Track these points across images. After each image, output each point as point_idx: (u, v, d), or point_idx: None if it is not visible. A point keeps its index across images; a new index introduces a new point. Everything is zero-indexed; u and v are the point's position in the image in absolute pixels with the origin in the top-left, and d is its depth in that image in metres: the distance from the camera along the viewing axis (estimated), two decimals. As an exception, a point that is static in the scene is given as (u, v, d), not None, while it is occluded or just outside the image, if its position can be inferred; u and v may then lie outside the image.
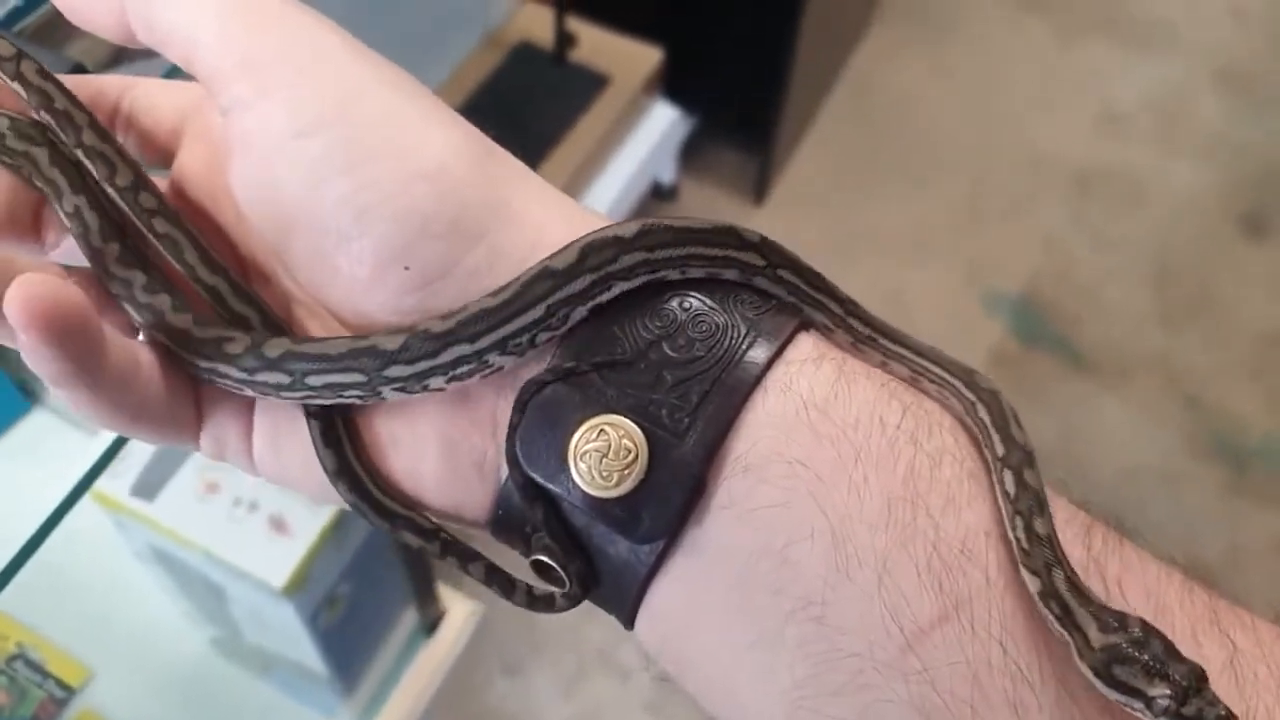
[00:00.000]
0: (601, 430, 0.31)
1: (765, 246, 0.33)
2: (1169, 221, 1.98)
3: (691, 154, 1.88)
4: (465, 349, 0.31)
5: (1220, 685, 0.28)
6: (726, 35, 1.76)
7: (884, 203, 1.96)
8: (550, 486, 0.31)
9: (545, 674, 1.52)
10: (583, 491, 0.31)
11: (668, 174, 1.82)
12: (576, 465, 0.31)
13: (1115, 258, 1.93)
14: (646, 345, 0.32)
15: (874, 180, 1.99)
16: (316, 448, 0.34)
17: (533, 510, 0.32)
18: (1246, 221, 1.97)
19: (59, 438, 0.92)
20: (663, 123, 1.71)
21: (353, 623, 0.91)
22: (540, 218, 0.32)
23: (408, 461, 0.34)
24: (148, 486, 0.81)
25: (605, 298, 0.32)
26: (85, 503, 0.84)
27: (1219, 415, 1.76)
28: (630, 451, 0.30)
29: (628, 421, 0.31)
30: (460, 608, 1.08)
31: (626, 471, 0.30)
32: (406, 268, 0.31)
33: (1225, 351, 1.83)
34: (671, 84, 1.71)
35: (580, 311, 0.32)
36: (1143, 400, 1.76)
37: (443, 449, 0.33)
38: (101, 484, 0.81)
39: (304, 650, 0.90)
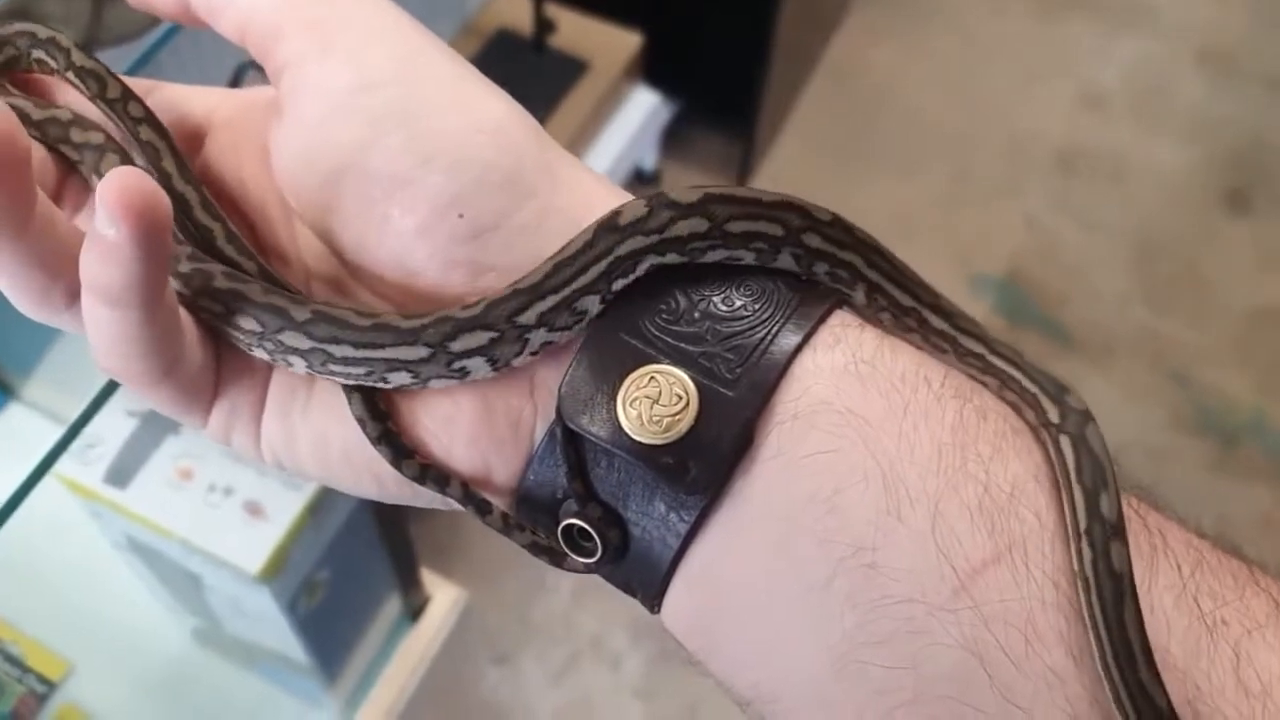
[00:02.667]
0: (652, 378, 0.31)
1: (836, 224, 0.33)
2: (1152, 200, 1.97)
3: (673, 139, 1.87)
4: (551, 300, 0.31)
5: (1268, 633, 0.28)
6: (706, 19, 1.76)
7: (867, 186, 1.96)
8: (596, 435, 0.31)
9: (536, 663, 1.52)
10: (631, 439, 0.30)
11: (650, 159, 1.82)
12: (626, 411, 0.30)
13: (1099, 237, 1.92)
14: (696, 302, 0.32)
15: (856, 164, 1.99)
16: (356, 409, 0.33)
17: (568, 470, 0.32)
18: (1230, 199, 1.97)
19: (34, 431, 0.92)
20: (644, 108, 1.70)
21: (333, 609, 0.91)
22: (590, 187, 0.33)
23: (442, 417, 0.34)
24: (120, 474, 0.81)
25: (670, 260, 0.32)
26: (61, 495, 0.83)
27: (1205, 392, 1.76)
28: (681, 399, 0.30)
29: (678, 370, 0.31)
30: (445, 594, 1.08)
31: (677, 418, 0.30)
32: (461, 215, 0.32)
33: (1211, 329, 1.83)
34: (652, 69, 1.71)
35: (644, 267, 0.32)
36: (1129, 378, 1.76)
37: (478, 405, 0.33)
38: (74, 471, 0.80)
39: (284, 638, 0.89)
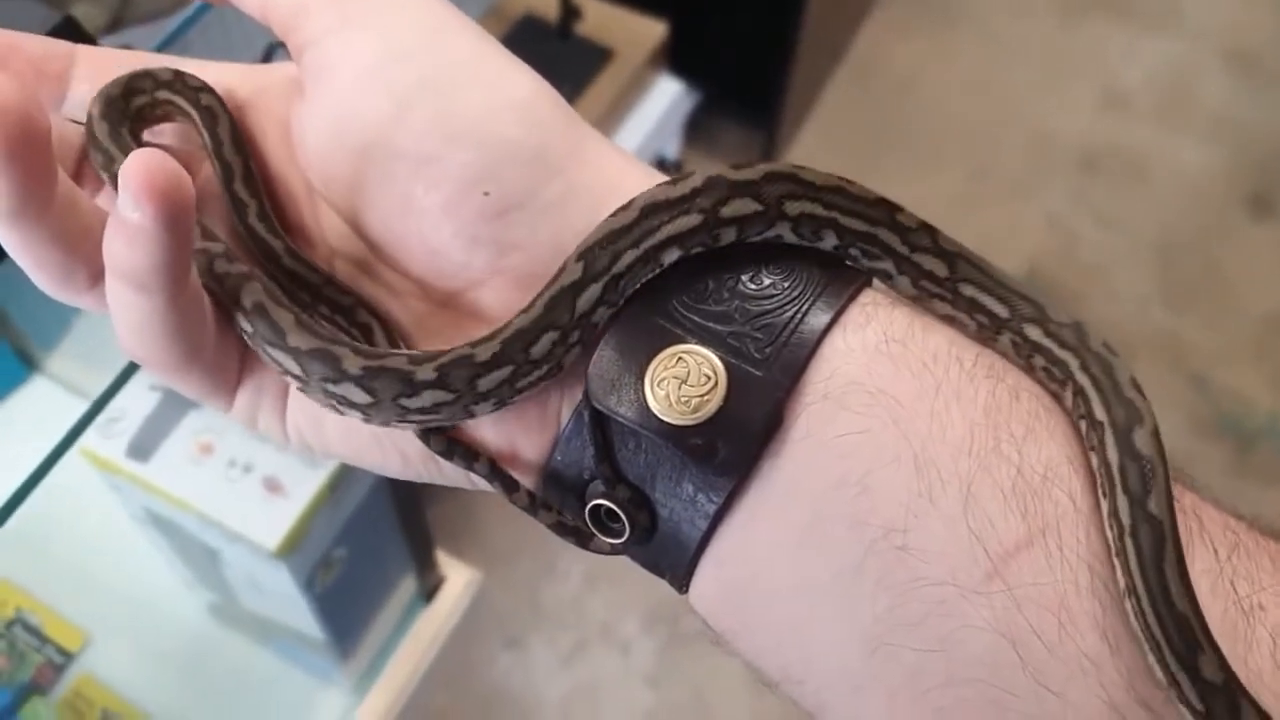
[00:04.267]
0: (680, 358, 0.31)
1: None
2: (1173, 201, 1.96)
3: (696, 129, 1.87)
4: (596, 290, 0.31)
5: None
6: (732, 9, 1.75)
7: (888, 181, 1.94)
8: (624, 416, 0.31)
9: (546, 647, 1.53)
10: (660, 419, 0.30)
11: (672, 148, 1.82)
12: (654, 391, 0.30)
13: (1120, 237, 1.92)
14: (725, 282, 0.32)
15: (878, 158, 1.98)
16: None
17: (595, 452, 0.32)
18: (1251, 202, 1.96)
19: (58, 405, 0.93)
20: (667, 97, 1.70)
21: (349, 587, 0.91)
22: (618, 165, 0.33)
23: None
24: (142, 448, 0.81)
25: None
26: (81, 467, 0.84)
27: (1224, 395, 1.75)
28: (709, 379, 0.30)
29: (707, 350, 0.31)
30: (459, 575, 1.08)
31: (705, 398, 0.30)
32: (486, 193, 0.31)
33: (1230, 331, 1.82)
34: (676, 58, 1.70)
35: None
36: (1147, 379, 1.70)
37: None
38: (96, 445, 0.81)
39: (300, 615, 0.90)
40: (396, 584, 1.03)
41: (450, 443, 0.34)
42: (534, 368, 0.31)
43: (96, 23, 0.66)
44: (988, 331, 0.32)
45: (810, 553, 0.30)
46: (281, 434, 0.36)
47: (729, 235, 0.32)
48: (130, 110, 0.35)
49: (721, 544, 0.31)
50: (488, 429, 0.34)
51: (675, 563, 0.32)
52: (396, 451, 0.35)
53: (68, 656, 0.98)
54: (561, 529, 0.34)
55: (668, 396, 0.30)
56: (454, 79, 0.32)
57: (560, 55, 1.59)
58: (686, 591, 0.33)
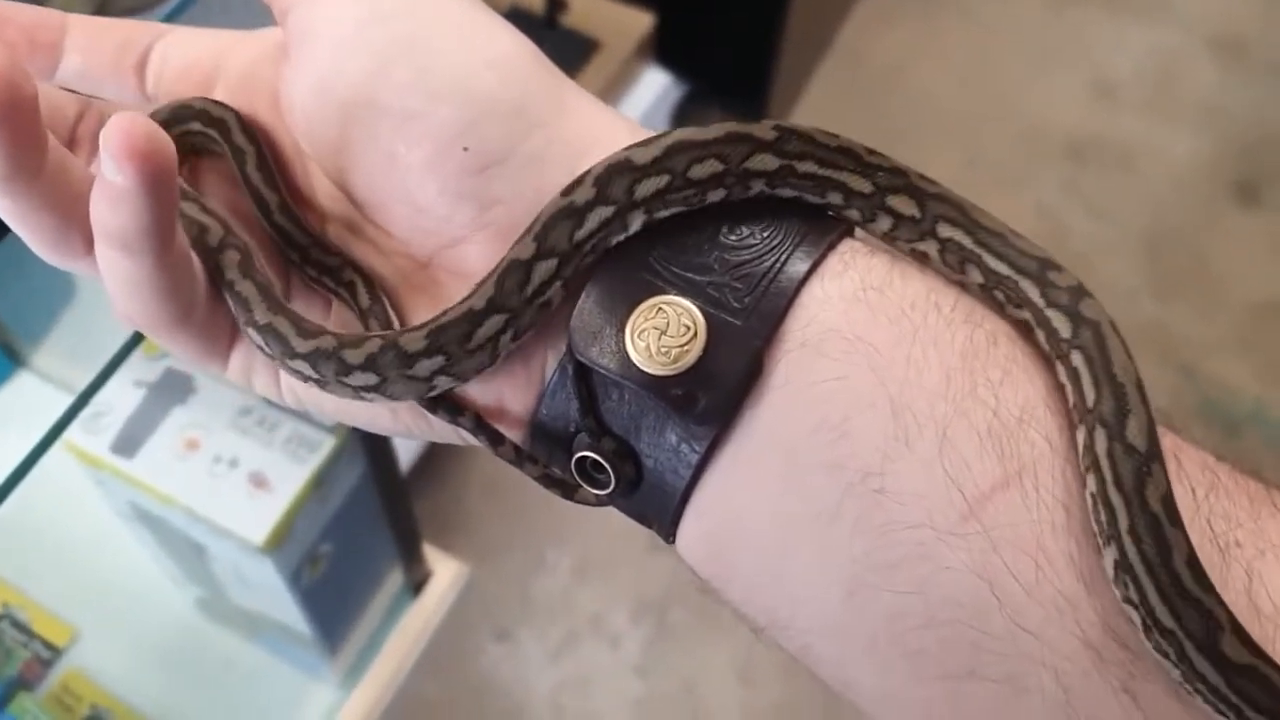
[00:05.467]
0: (660, 309, 0.31)
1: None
2: (1162, 190, 1.97)
3: (684, 120, 1.87)
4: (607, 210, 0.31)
5: None
6: (718, 1, 1.75)
7: (876, 171, 1.95)
8: (605, 367, 0.31)
9: (535, 640, 1.53)
10: (641, 370, 0.30)
11: (659, 141, 1.82)
12: (634, 342, 0.31)
13: (1108, 226, 1.92)
14: (705, 233, 0.32)
15: (866, 149, 1.99)
16: None
17: (579, 405, 0.32)
18: (1240, 190, 1.96)
19: (43, 400, 0.93)
20: (654, 89, 1.70)
21: (336, 582, 0.92)
22: (599, 119, 0.33)
23: None
24: (128, 443, 0.81)
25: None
26: (68, 463, 0.84)
27: (1211, 383, 1.76)
28: (689, 329, 0.30)
29: (686, 301, 0.31)
30: (446, 569, 1.08)
31: (685, 349, 0.30)
32: (466, 148, 0.32)
33: (1217, 320, 1.83)
34: (664, 50, 1.70)
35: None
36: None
37: None
38: (81, 440, 0.81)
39: (286, 609, 0.90)
40: (383, 578, 1.03)
41: (436, 397, 0.34)
42: (471, 355, 0.32)
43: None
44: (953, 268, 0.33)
45: (790, 498, 0.30)
46: (277, 394, 0.36)
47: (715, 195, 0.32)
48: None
49: (705, 492, 0.32)
50: (474, 384, 0.34)
51: (661, 512, 0.32)
52: (386, 407, 0.35)
53: (55, 652, 0.98)
54: (548, 481, 0.35)
55: (648, 347, 0.30)
56: (434, 36, 0.32)
57: (546, 46, 1.57)
58: (674, 541, 0.33)
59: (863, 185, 0.33)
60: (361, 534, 0.93)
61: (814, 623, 0.31)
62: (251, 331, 0.33)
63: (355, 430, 0.84)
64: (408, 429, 0.36)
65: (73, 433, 0.81)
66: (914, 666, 0.29)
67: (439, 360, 0.31)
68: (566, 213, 0.31)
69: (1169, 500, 0.28)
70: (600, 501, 0.34)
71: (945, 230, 0.32)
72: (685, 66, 1.73)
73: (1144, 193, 1.96)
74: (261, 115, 0.36)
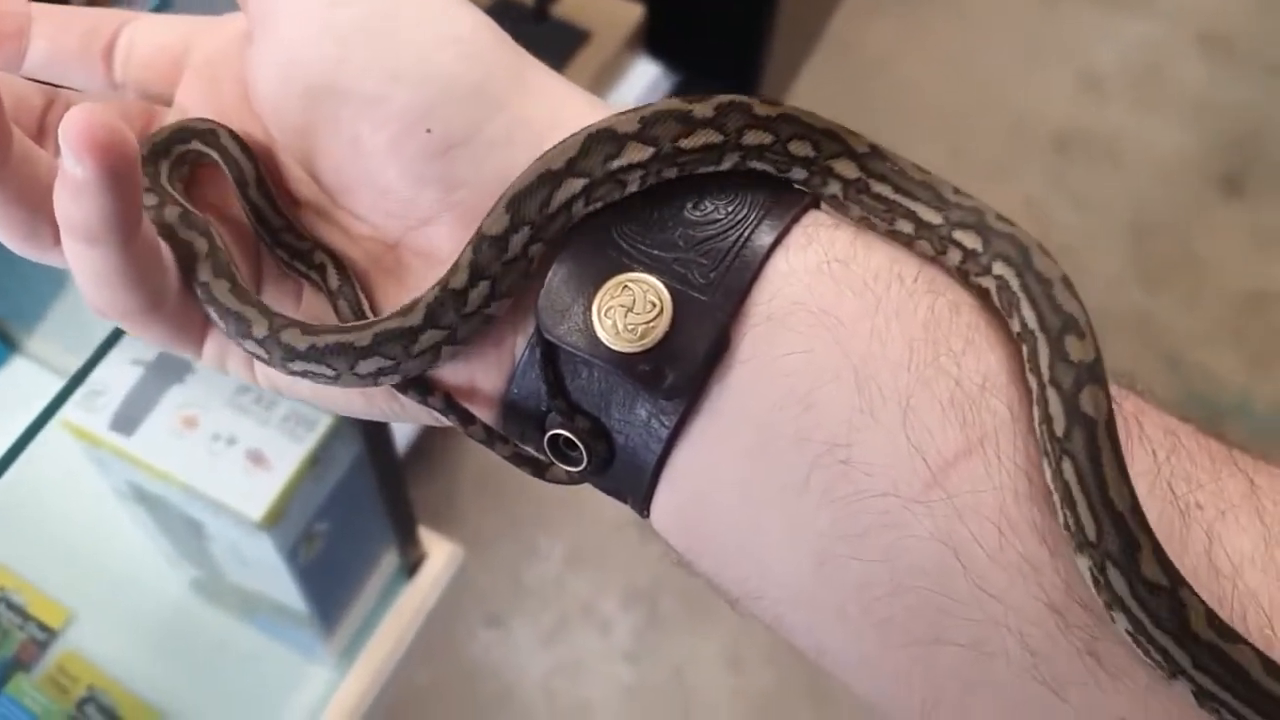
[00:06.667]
0: (626, 286, 0.31)
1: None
2: (1148, 183, 1.98)
3: (674, 113, 1.88)
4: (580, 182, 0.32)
5: (1241, 514, 0.28)
6: (708, -8, 1.76)
7: (865, 163, 1.96)
8: (573, 345, 0.31)
9: (527, 626, 1.54)
10: (608, 348, 0.31)
11: (650, 132, 1.82)
12: (601, 321, 0.31)
13: (1095, 218, 1.94)
14: (670, 210, 0.32)
15: (856, 140, 2.00)
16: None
17: (546, 385, 0.33)
18: (1224, 183, 1.98)
19: (38, 384, 0.93)
20: (644, 80, 1.70)
21: (332, 561, 0.92)
22: (563, 99, 0.34)
23: None
24: (126, 421, 0.82)
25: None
26: (65, 443, 0.85)
27: (1197, 374, 1.77)
28: (655, 306, 0.31)
29: (652, 278, 0.31)
30: (441, 551, 1.09)
31: (651, 325, 0.31)
32: (428, 130, 0.32)
33: (1203, 311, 1.84)
34: (653, 41, 1.71)
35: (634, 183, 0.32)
36: (1121, 358, 1.76)
37: None
38: (80, 418, 0.82)
39: (283, 587, 0.91)
40: (379, 559, 1.04)
41: (407, 379, 0.34)
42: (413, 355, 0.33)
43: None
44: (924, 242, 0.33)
45: (759, 471, 0.31)
46: (250, 376, 0.36)
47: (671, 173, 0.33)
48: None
49: (676, 466, 0.32)
50: (445, 366, 0.34)
51: (635, 487, 0.33)
52: (359, 393, 0.36)
53: (51, 633, 0.98)
54: (518, 460, 0.35)
55: (615, 325, 0.31)
56: (394, 18, 0.33)
57: (537, 37, 1.59)
58: (648, 515, 0.34)
59: (806, 150, 0.33)
60: (357, 513, 0.94)
61: (785, 593, 0.32)
62: (247, 343, 0.34)
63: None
64: (381, 411, 0.37)
65: (71, 411, 0.82)
66: (883, 633, 0.30)
67: (438, 333, 0.32)
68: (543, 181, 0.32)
69: (1110, 425, 0.28)
70: (573, 479, 0.34)
71: (878, 186, 0.33)
72: (675, 57, 1.74)
73: (1130, 185, 1.98)
74: (228, 103, 0.37)
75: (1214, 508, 0.28)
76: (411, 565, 1.07)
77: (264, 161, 0.36)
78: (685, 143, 0.32)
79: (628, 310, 0.31)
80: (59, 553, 1.00)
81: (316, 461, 0.82)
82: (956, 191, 0.33)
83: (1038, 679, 0.28)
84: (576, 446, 0.33)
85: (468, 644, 1.52)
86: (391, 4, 0.33)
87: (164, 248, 0.33)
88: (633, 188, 0.32)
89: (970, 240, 0.32)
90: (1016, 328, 0.30)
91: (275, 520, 0.80)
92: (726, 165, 0.33)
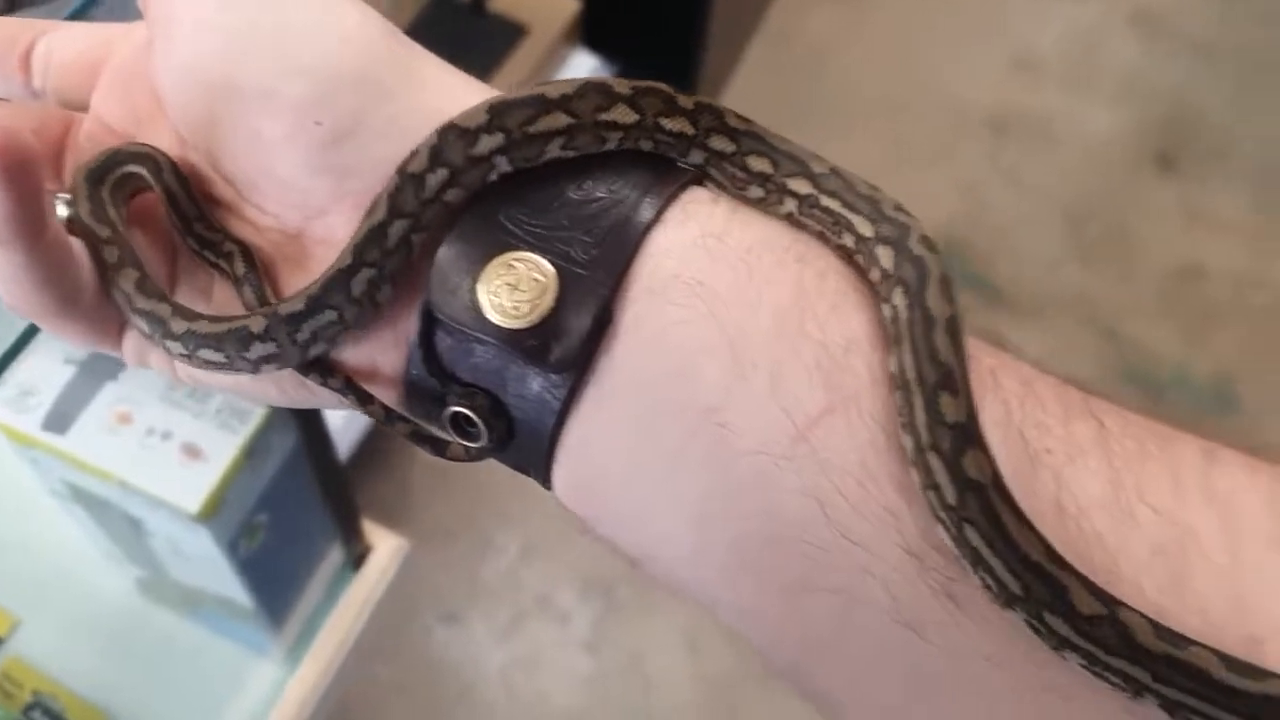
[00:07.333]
0: (511, 265, 0.32)
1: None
2: (1083, 162, 2.02)
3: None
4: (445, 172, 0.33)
5: (1090, 458, 0.29)
6: (644, -16, 1.77)
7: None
8: (462, 323, 0.32)
9: (484, 620, 1.55)
10: (495, 325, 0.32)
11: (591, 126, 1.83)
12: (488, 299, 0.32)
13: (1031, 198, 1.97)
14: (554, 193, 0.33)
15: (795, 130, 1.92)
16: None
17: (425, 360, 0.34)
18: (1157, 161, 2.02)
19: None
20: (583, 72, 1.71)
21: (275, 554, 0.92)
22: (451, 87, 0.35)
23: None
24: (59, 420, 0.82)
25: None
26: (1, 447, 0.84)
27: (1134, 348, 1.81)
28: (540, 283, 0.32)
29: (536, 256, 0.32)
30: (386, 543, 1.10)
31: (537, 302, 0.32)
32: (318, 122, 0.33)
33: (1139, 286, 1.88)
34: (591, 33, 1.72)
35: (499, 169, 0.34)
36: (1060, 335, 1.81)
37: None
38: (12, 420, 0.81)
39: (226, 581, 0.91)
40: (323, 552, 1.04)
41: (311, 362, 0.35)
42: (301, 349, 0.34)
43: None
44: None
45: (643, 439, 0.32)
46: (172, 372, 0.37)
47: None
48: None
49: (571, 437, 0.33)
50: (347, 350, 0.36)
51: (534, 460, 0.34)
52: (271, 381, 0.37)
53: (-4, 641, 0.98)
54: (417, 438, 0.36)
55: (501, 302, 0.32)
56: (284, 14, 0.34)
57: (474, 32, 1.60)
58: (551, 487, 0.35)
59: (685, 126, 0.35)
60: (297, 505, 0.94)
61: (673, 553, 0.33)
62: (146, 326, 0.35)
63: (287, 401, 0.85)
64: (293, 399, 0.38)
65: (2, 413, 0.82)
66: (759, 584, 0.31)
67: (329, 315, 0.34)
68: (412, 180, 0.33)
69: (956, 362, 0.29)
70: (472, 455, 0.35)
71: (756, 164, 0.35)
72: (614, 49, 1.75)
73: (1066, 165, 2.01)
74: (141, 107, 0.38)
75: (1064, 453, 0.30)
76: (356, 559, 1.08)
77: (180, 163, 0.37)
78: (534, 128, 0.33)
79: (513, 288, 0.32)
80: (2, 559, 1.00)
81: (252, 453, 0.83)
82: (835, 170, 0.35)
83: (900, 621, 0.29)
84: (475, 423, 0.34)
85: (426, 641, 1.53)
86: (279, 2, 0.34)
87: (76, 246, 0.34)
88: (503, 169, 0.34)
89: (864, 228, 0.33)
90: (893, 368, 0.31)
91: (212, 512, 0.81)
92: (610, 147, 0.34)
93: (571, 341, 0.32)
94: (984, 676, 0.29)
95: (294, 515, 0.94)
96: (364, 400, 0.36)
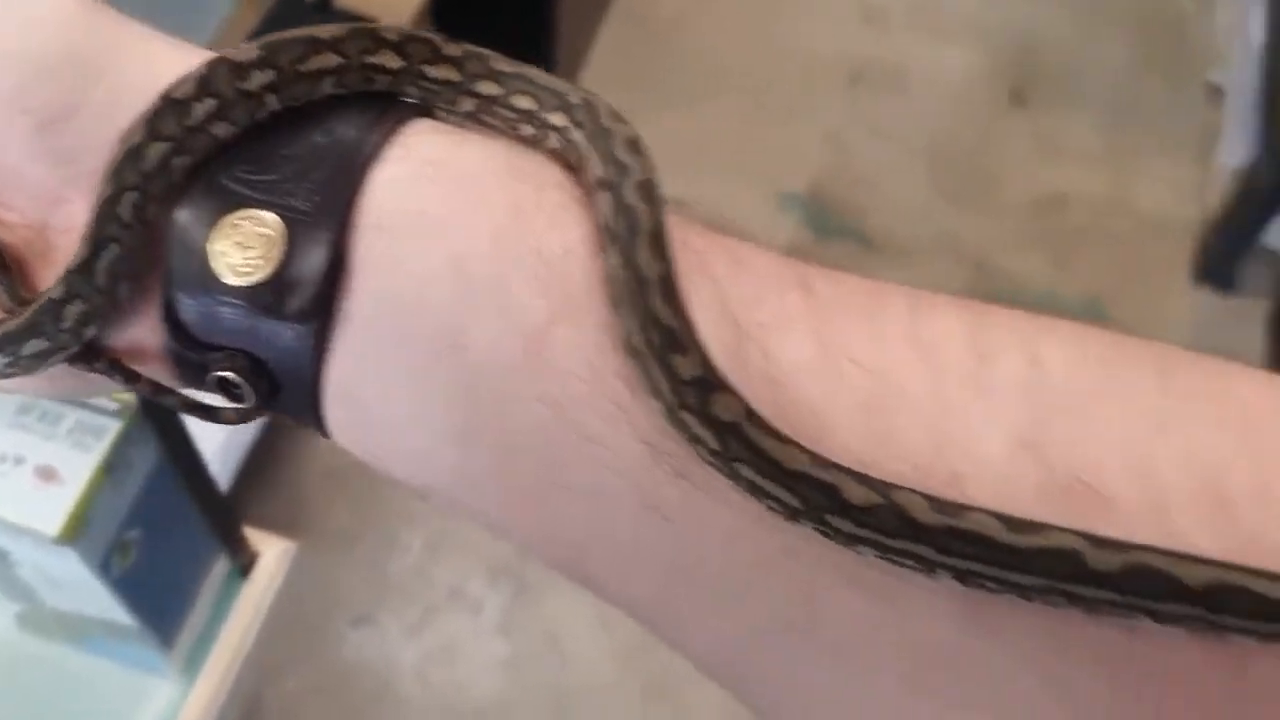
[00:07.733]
0: (235, 225, 0.32)
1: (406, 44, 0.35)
2: (939, 105, 2.07)
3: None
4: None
5: (798, 324, 0.30)
6: (489, -32, 1.77)
7: (670, 123, 1.99)
8: (197, 288, 0.32)
9: (395, 619, 1.54)
10: (231, 285, 0.32)
11: (452, 115, 1.83)
12: (219, 261, 0.32)
13: (893, 146, 2.01)
14: (275, 146, 0.33)
15: (657, 103, 2.03)
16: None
17: (169, 332, 0.34)
18: (1011, 97, 2.08)
19: None
20: (435, 63, 1.70)
21: (152, 570, 0.91)
22: (168, 58, 0.34)
23: None
24: (-96, 457, 0.80)
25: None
26: None
27: (1005, 277, 1.86)
28: (267, 237, 0.32)
29: (262, 211, 0.32)
30: (273, 548, 1.09)
31: (267, 255, 0.32)
32: (25, 111, 0.32)
33: (1005, 220, 1.94)
34: (442, 20, 1.71)
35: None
36: (934, 273, 1.86)
37: None
38: None
39: (104, 603, 0.89)
40: (207, 564, 1.03)
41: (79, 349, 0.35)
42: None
43: None
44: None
45: (392, 371, 0.32)
46: None
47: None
48: None
49: (331, 382, 0.33)
50: (111, 330, 0.35)
51: (303, 410, 0.34)
52: (44, 375, 0.36)
53: (-124, 694, 0.95)
54: (189, 408, 0.36)
55: (233, 262, 0.32)
56: None
57: (319, 31, 1.58)
58: (330, 435, 0.35)
59: (394, 61, 0.35)
60: (170, 519, 0.93)
61: (443, 479, 0.34)
62: None
63: (144, 413, 0.84)
64: (64, 390, 0.38)
65: None
66: (517, 490, 0.32)
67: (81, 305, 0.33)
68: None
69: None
70: (244, 416, 0.35)
71: (521, 102, 0.35)
72: (466, 36, 1.73)
73: (922, 109, 2.06)
74: None
75: (774, 325, 0.30)
76: (244, 567, 1.07)
77: None
78: (305, 66, 0.33)
79: (243, 246, 0.32)
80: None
81: (111, 469, 0.82)
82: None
83: (646, 506, 0.30)
84: (240, 384, 0.34)
85: (339, 646, 1.52)
86: None
87: None
88: (272, 106, 0.34)
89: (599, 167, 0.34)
90: (621, 334, 0.31)
91: (75, 534, 0.80)
92: (322, 93, 0.34)
93: (307, 290, 0.32)
94: (729, 550, 0.30)
95: (169, 529, 0.93)
96: (130, 379, 0.36)
